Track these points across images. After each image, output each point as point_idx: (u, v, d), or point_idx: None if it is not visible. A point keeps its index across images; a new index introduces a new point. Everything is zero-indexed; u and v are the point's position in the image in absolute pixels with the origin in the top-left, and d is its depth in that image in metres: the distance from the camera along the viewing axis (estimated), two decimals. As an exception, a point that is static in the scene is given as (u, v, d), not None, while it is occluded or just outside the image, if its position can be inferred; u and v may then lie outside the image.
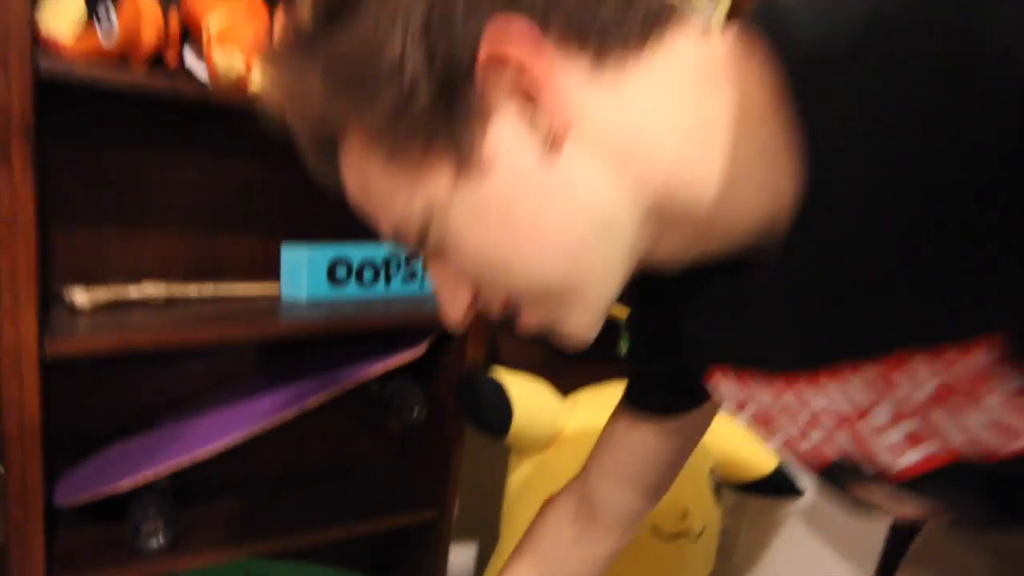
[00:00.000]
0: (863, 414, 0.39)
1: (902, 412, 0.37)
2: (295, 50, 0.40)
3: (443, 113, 0.37)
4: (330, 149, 0.42)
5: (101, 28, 0.71)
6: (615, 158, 0.38)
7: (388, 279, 1.06)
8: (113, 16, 0.72)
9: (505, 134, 0.37)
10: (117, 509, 0.95)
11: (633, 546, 1.09)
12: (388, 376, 1.08)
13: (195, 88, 0.81)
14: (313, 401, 0.96)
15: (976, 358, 0.32)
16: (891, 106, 0.30)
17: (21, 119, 0.69)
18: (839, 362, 0.38)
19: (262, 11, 0.87)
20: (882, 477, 0.42)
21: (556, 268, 0.40)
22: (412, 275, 1.08)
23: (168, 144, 0.97)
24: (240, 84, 0.81)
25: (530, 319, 0.43)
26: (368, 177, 0.41)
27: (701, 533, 1.14)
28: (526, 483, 1.14)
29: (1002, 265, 0.29)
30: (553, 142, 0.37)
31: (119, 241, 0.97)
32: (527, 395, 1.05)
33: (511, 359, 1.26)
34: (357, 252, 1.03)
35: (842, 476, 0.45)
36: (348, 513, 1.09)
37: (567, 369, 1.25)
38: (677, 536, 1.11)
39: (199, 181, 1.00)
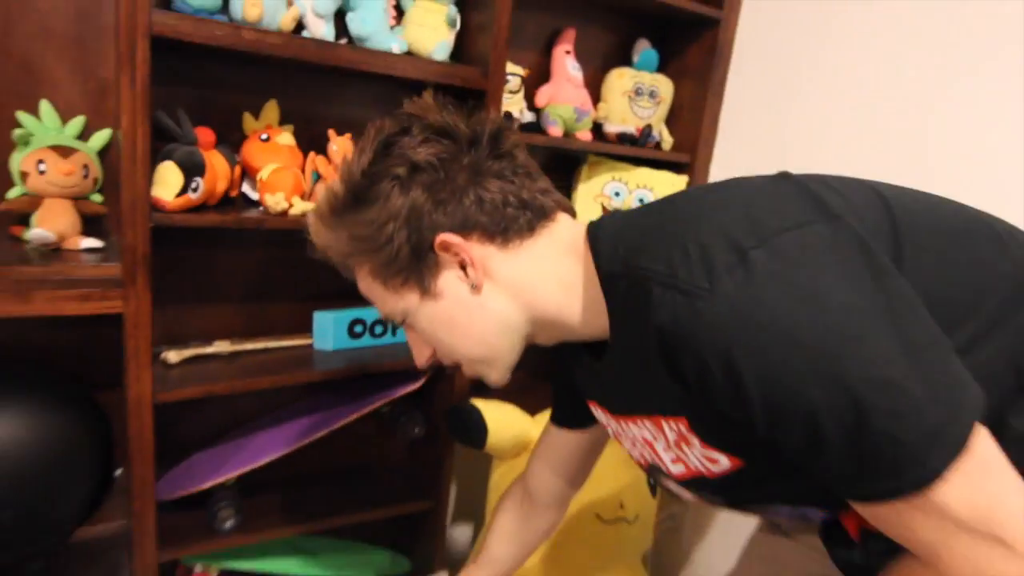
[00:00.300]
0: (651, 443, 0.71)
1: (668, 445, 0.68)
2: (331, 215, 0.71)
3: (414, 267, 0.68)
4: (349, 270, 0.75)
5: (191, 188, 1.06)
6: (513, 293, 0.70)
7: (394, 332, 1.41)
8: (200, 181, 1.07)
9: (449, 280, 0.68)
10: (199, 501, 1.32)
11: (581, 529, 1.46)
12: (395, 403, 1.43)
13: (253, 218, 1.16)
14: (339, 423, 1.31)
15: (680, 425, 0.63)
16: (622, 307, 0.62)
17: (142, 254, 1.04)
18: (635, 413, 0.70)
19: (298, 155, 1.22)
20: (670, 477, 0.73)
21: (479, 350, 0.73)
22: (411, 328, 1.43)
23: (230, 244, 1.32)
24: (283, 213, 1.16)
25: (467, 371, 0.76)
26: (371, 289, 0.73)
27: (636, 518, 1.48)
28: (504, 479, 1.49)
29: (678, 387, 0.56)
30: (476, 286, 0.68)
31: (197, 312, 1.33)
32: (499, 418, 1.39)
33: (492, 388, 1.59)
34: (370, 314, 1.38)
35: (655, 474, 0.77)
36: (368, 503, 1.46)
37: (537, 394, 1.58)
38: (616, 521, 1.46)
39: (252, 268, 1.35)
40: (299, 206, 1.17)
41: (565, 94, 1.50)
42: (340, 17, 1.23)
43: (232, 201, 1.21)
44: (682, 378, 0.54)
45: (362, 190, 0.67)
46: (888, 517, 0.50)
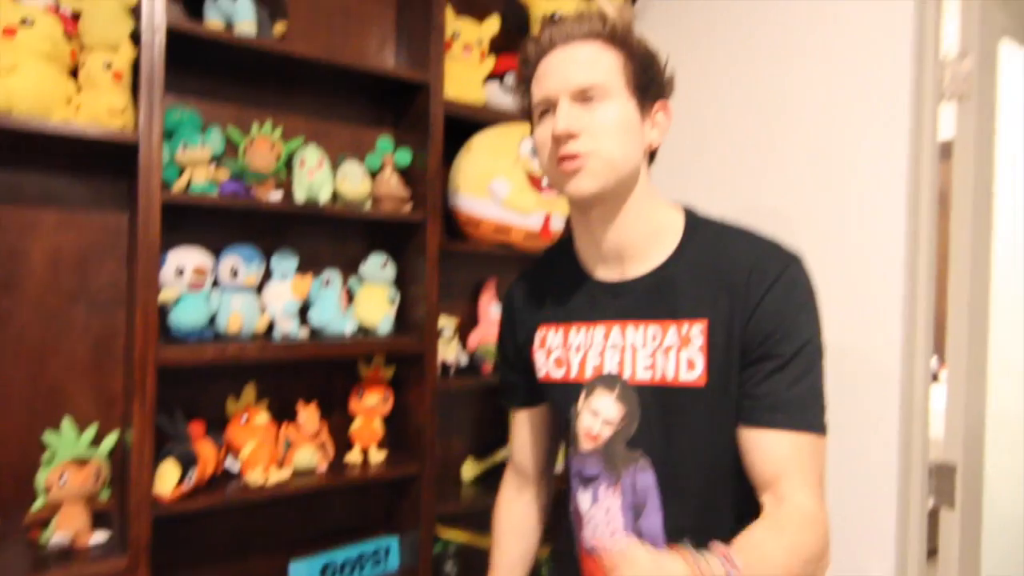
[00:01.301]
0: (633, 348, 0.88)
1: (657, 348, 0.87)
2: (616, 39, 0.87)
3: (648, 94, 0.88)
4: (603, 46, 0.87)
5: (186, 479, 1.29)
6: (647, 169, 0.93)
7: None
8: (193, 471, 1.30)
9: (650, 121, 0.90)
10: None
11: None
12: None
13: (237, 497, 1.37)
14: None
15: (696, 326, 0.84)
16: (699, 242, 0.90)
17: (144, 544, 1.24)
18: (650, 317, 0.88)
19: (272, 429, 1.47)
20: (625, 383, 0.88)
21: (618, 155, 0.85)
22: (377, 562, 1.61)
23: (217, 512, 1.52)
24: (261, 486, 1.38)
25: (582, 163, 0.84)
26: (611, 71, 0.86)
27: None
28: None
29: (726, 296, 0.84)
30: (653, 142, 0.91)
31: (186, 572, 1.50)
32: None
33: None
34: (342, 555, 1.57)
35: (607, 381, 0.90)
36: None
37: None
38: None
39: (233, 529, 1.55)
40: (274, 476, 1.41)
41: (493, 334, 1.82)
42: (304, 310, 1.54)
43: (217, 477, 1.43)
44: (746, 288, 0.83)
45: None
46: (778, 444, 0.80)
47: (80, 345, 1.36)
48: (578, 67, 0.85)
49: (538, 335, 0.99)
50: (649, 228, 0.91)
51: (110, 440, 1.33)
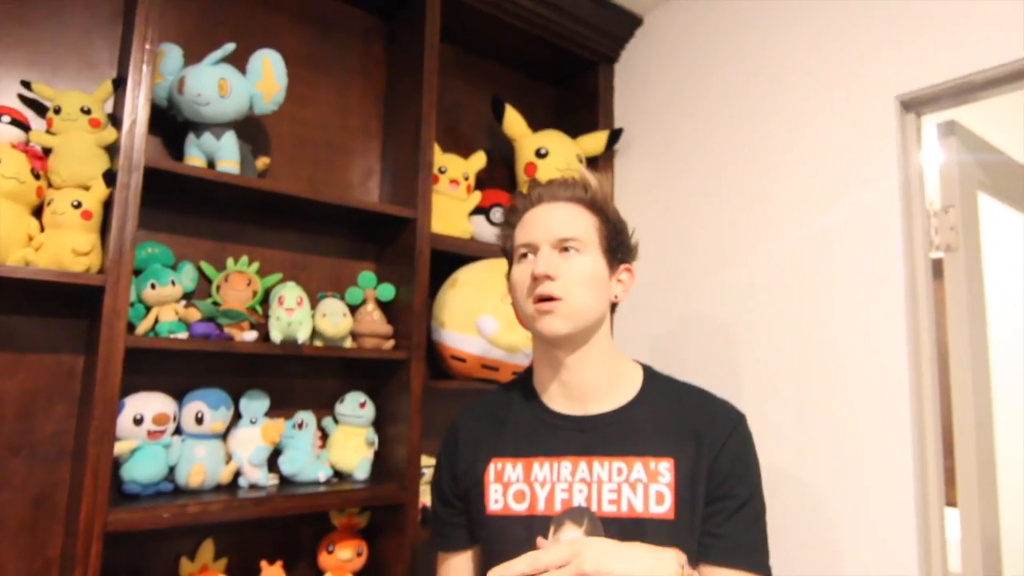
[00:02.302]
0: (599, 482, 0.92)
1: (623, 482, 0.91)
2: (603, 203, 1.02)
3: (615, 257, 1.01)
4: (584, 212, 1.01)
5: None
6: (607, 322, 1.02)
7: None
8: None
9: (614, 280, 1.01)
10: None
11: None
12: None
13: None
14: None
15: (662, 463, 0.92)
16: (658, 389, 1.01)
17: None
18: (618, 454, 0.93)
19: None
20: (593, 516, 0.90)
21: (587, 305, 0.95)
22: None
23: None
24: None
25: (556, 308, 0.93)
26: (588, 232, 0.98)
27: None
28: None
29: (692, 442, 0.94)
30: (616, 297, 1.01)
31: None
32: None
33: None
34: None
35: (575, 515, 0.92)
36: None
37: None
38: None
39: None
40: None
41: (475, 475, 1.70)
42: (275, 454, 1.42)
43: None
44: (707, 437, 0.94)
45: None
46: None
47: (16, 503, 1.21)
48: (560, 221, 0.98)
49: (492, 468, 1.00)
50: (610, 371, 1.01)
51: (40, 617, 1.16)
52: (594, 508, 0.92)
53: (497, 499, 0.98)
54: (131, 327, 1.24)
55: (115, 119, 1.23)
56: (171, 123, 1.36)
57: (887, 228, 1.34)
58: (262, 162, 1.46)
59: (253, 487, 1.36)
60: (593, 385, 0.99)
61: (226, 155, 1.31)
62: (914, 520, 1.24)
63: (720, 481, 0.93)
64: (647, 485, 0.92)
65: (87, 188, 1.17)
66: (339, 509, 1.51)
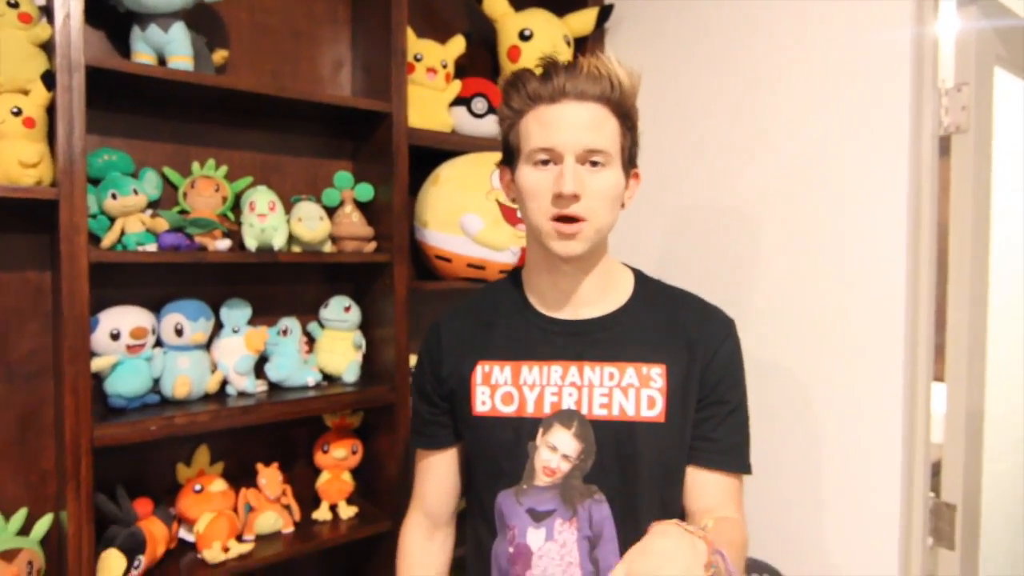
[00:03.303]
0: (591, 386, 0.92)
1: (615, 387, 0.92)
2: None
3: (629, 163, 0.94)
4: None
5: (133, 567, 1.16)
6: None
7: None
8: (141, 558, 1.17)
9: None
10: None
11: None
12: None
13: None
14: None
15: (655, 369, 0.92)
16: (649, 293, 1.00)
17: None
18: (612, 360, 0.93)
19: (230, 497, 1.34)
20: (583, 419, 0.91)
21: (608, 221, 0.91)
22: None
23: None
24: (222, 563, 1.26)
25: (579, 228, 0.88)
26: (613, 141, 0.89)
27: None
28: None
29: (685, 346, 0.95)
30: (623, 202, 0.96)
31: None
32: None
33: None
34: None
35: (564, 417, 0.92)
36: None
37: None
38: None
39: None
40: (236, 549, 1.28)
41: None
42: (263, 361, 1.41)
43: (172, 552, 1.30)
44: (700, 343, 0.94)
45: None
46: (727, 481, 0.95)
47: (1, 421, 1.21)
48: (590, 128, 0.87)
49: (479, 371, 0.98)
50: (605, 277, 0.98)
51: (42, 525, 1.19)
52: (584, 412, 0.92)
53: (484, 401, 0.97)
54: (97, 240, 1.19)
55: (48, 12, 1.11)
56: (112, 15, 1.24)
57: (895, 107, 1.25)
58: (219, 55, 1.34)
59: (242, 395, 1.36)
60: (587, 291, 0.97)
61: (177, 49, 1.20)
62: (900, 392, 1.24)
63: (712, 387, 0.94)
64: (639, 390, 0.92)
65: (26, 93, 1.08)
66: (331, 412, 1.52)
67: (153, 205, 1.30)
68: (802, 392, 1.38)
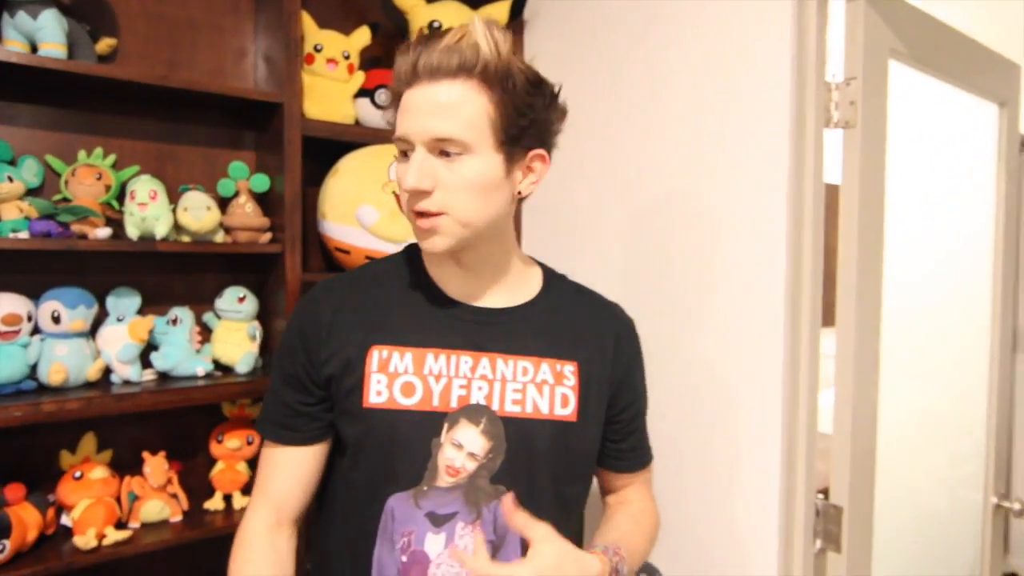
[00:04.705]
0: (502, 380, 0.87)
1: (528, 382, 0.88)
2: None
3: (516, 147, 0.82)
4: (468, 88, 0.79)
5: (-2, 550, 1.17)
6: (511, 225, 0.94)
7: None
8: (7, 543, 1.18)
9: (516, 175, 0.86)
10: None
11: None
12: None
13: (64, 561, 1.25)
14: None
15: (568, 366, 0.91)
16: (557, 288, 0.98)
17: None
18: (522, 353, 0.89)
19: (112, 484, 1.34)
20: (493, 415, 0.86)
21: (477, 218, 0.82)
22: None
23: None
24: (95, 550, 1.26)
25: (437, 223, 0.80)
26: (474, 118, 0.78)
27: None
28: None
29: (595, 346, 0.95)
30: (521, 193, 0.87)
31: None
32: None
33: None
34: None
35: (471, 413, 0.85)
36: None
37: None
38: None
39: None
40: (112, 536, 1.28)
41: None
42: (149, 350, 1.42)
43: (49, 538, 1.30)
44: (606, 342, 0.95)
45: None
46: (634, 479, 1.03)
47: None
48: (438, 114, 0.78)
49: (375, 356, 0.86)
50: (510, 268, 0.93)
51: (-89, 509, 1.20)
52: (495, 407, 0.86)
53: (380, 391, 0.85)
54: (-32, 227, 1.20)
55: (-88, -2, 1.12)
56: (-12, 1, 1.24)
57: (777, 101, 1.23)
58: (105, 44, 1.34)
59: (127, 383, 1.36)
60: (493, 280, 0.92)
61: (48, 37, 1.20)
62: (782, 340, 1.22)
63: (619, 386, 0.96)
64: (553, 387, 0.89)
65: None
66: (230, 400, 1.53)
67: (35, 193, 1.31)
68: (683, 387, 1.37)
